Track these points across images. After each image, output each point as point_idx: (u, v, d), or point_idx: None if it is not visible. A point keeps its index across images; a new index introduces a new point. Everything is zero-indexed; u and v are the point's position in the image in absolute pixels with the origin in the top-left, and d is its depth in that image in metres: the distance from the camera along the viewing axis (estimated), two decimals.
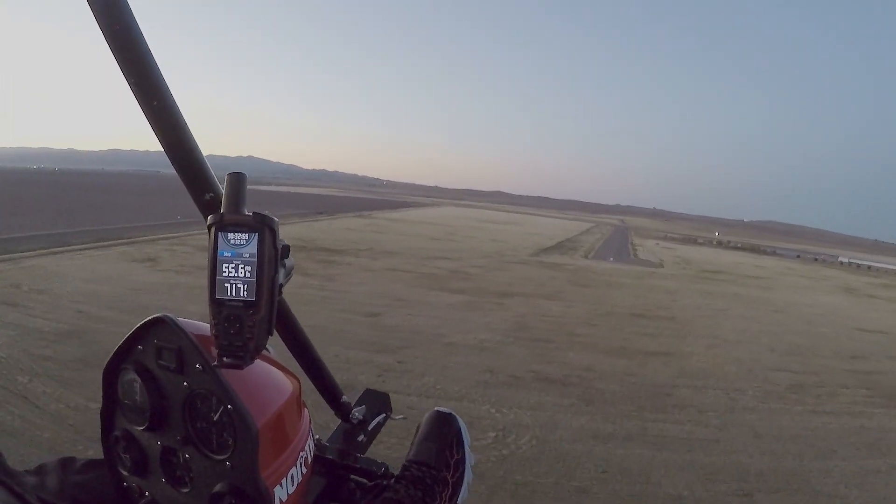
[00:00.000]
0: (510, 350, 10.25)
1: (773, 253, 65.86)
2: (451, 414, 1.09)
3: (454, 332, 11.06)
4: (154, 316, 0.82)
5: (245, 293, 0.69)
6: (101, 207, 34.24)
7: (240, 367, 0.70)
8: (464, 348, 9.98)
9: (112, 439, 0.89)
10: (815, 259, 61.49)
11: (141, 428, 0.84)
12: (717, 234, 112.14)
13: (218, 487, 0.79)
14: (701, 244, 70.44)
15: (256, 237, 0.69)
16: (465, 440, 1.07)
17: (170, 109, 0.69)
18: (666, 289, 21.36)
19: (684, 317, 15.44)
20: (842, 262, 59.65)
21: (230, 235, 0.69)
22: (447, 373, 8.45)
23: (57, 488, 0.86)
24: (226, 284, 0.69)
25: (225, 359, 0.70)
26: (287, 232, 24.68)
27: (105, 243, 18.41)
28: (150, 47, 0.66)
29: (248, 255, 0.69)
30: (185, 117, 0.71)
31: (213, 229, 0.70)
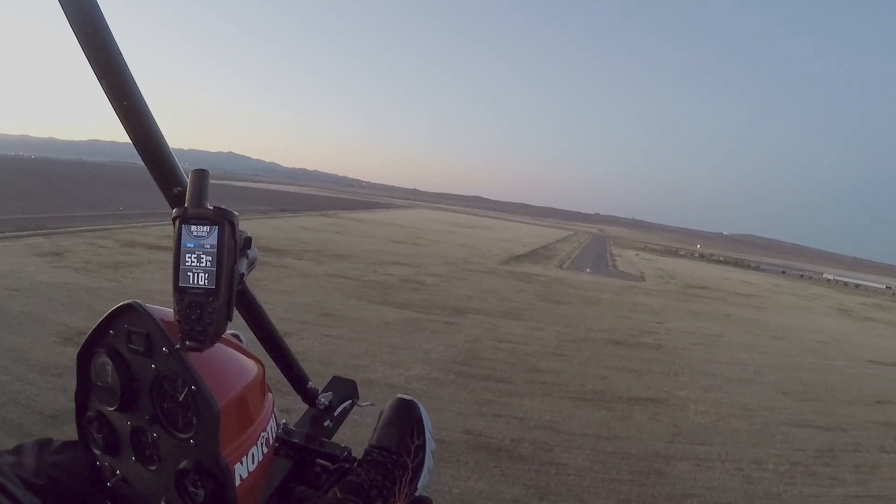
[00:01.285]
0: (446, 394, 7.52)
1: (758, 268, 64.30)
2: (412, 401, 1.16)
3: (378, 363, 8.31)
4: (124, 302, 0.85)
5: (206, 281, 0.73)
6: (59, 195, 32.91)
7: (200, 350, 0.75)
8: (382, 390, 7.21)
9: (85, 420, 0.92)
10: (801, 275, 59.97)
11: (112, 408, 0.88)
12: (698, 246, 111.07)
13: (183, 464, 0.82)
14: (683, 256, 68.66)
15: (217, 229, 0.73)
16: (426, 427, 1.13)
17: (139, 109, 0.73)
18: (650, 307, 18.73)
19: (674, 345, 12.78)
20: (828, 280, 58.00)
21: (193, 228, 0.73)
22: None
23: (34, 468, 0.90)
24: (188, 273, 0.73)
25: (187, 342, 0.74)
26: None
27: (22, 233, 16.34)
28: (120, 48, 0.70)
29: (209, 246, 0.73)
30: (154, 116, 0.75)
31: (177, 222, 0.74)
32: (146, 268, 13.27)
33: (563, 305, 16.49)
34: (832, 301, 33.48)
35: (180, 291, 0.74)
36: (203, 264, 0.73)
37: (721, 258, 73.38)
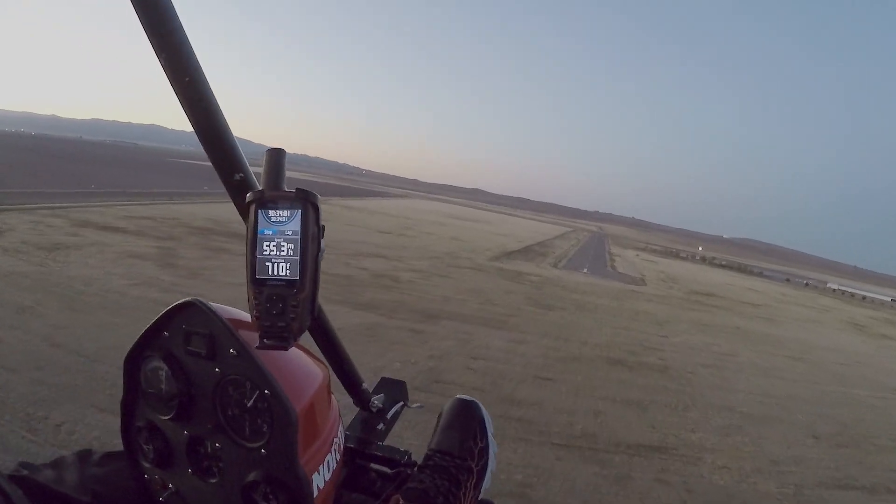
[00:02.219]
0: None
1: (761, 274, 62.57)
2: (473, 402, 1.08)
3: None
4: (182, 300, 0.80)
5: (288, 272, 0.67)
6: (33, 171, 31.67)
7: (284, 349, 0.69)
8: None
9: (134, 430, 0.87)
10: (806, 284, 58.21)
11: (166, 417, 0.83)
12: (700, 249, 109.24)
13: (251, 476, 0.77)
14: (684, 259, 66.79)
15: (300, 213, 0.67)
16: (488, 428, 1.05)
17: (201, 87, 0.67)
18: (653, 316, 16.81)
19: (681, 366, 10.87)
20: (833, 290, 56.14)
21: (271, 212, 0.67)
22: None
23: (76, 482, 0.85)
24: (267, 263, 0.68)
25: (267, 340, 0.68)
26: (205, 211, 17.63)
27: None
28: (181, 23, 0.64)
29: (290, 233, 0.67)
30: (215, 95, 0.69)
31: (253, 206, 0.68)
32: (84, 251, 11.71)
33: (554, 311, 14.55)
34: (842, 314, 31.69)
35: (258, 284, 0.67)
36: (284, 253, 0.67)
37: (724, 262, 71.50)
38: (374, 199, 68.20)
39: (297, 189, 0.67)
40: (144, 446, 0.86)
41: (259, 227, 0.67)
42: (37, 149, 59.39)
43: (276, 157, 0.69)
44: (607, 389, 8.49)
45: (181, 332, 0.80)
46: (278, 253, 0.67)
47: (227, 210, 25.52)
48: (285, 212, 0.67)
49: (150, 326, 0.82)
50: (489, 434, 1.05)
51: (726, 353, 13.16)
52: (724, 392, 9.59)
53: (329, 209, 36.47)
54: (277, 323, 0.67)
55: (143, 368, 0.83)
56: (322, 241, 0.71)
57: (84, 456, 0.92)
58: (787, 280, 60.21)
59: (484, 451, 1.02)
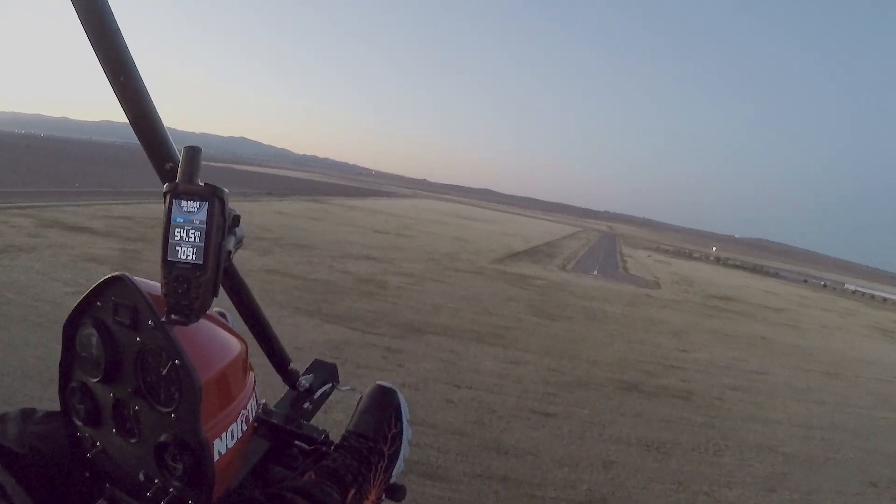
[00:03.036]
0: None
1: (776, 275, 60.56)
2: (392, 388, 1.12)
3: None
4: (112, 274, 0.83)
5: (193, 256, 0.72)
6: (19, 170, 31.08)
7: (185, 324, 0.74)
8: None
9: (69, 390, 0.90)
10: (824, 285, 56.12)
11: (95, 380, 0.86)
12: (714, 249, 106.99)
13: (163, 437, 0.81)
14: (697, 259, 64.85)
15: (207, 206, 0.72)
16: (403, 415, 1.09)
17: (135, 85, 0.73)
18: (670, 326, 15.19)
19: (707, 390, 9.29)
20: (852, 291, 53.99)
21: (183, 203, 0.72)
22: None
23: (17, 437, 0.89)
24: (177, 248, 0.73)
25: (173, 316, 0.73)
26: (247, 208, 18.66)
27: None
28: (119, 26, 0.71)
29: (198, 222, 0.72)
30: (150, 93, 0.75)
31: (168, 196, 0.73)
32: (37, 254, 10.56)
33: (560, 322, 12.98)
34: (866, 318, 29.75)
35: (168, 265, 0.72)
36: (191, 239, 0.72)
37: (738, 263, 69.37)
38: (379, 198, 66.93)
39: (205, 184, 0.72)
40: (77, 406, 0.88)
41: (173, 215, 0.71)
42: (37, 148, 58.83)
43: (192, 154, 0.72)
44: (621, 427, 6.94)
45: (111, 303, 0.82)
46: (187, 239, 0.72)
47: (251, 210, 24.23)
48: (195, 203, 0.72)
49: (85, 296, 0.85)
50: (404, 421, 1.09)
51: (755, 370, 11.55)
52: (761, 425, 8.01)
53: (327, 209, 35.14)
54: (182, 301, 0.72)
55: (78, 334, 0.86)
56: (239, 229, 0.78)
57: (28, 413, 0.94)
58: (805, 281, 58.17)
59: (397, 436, 1.06)
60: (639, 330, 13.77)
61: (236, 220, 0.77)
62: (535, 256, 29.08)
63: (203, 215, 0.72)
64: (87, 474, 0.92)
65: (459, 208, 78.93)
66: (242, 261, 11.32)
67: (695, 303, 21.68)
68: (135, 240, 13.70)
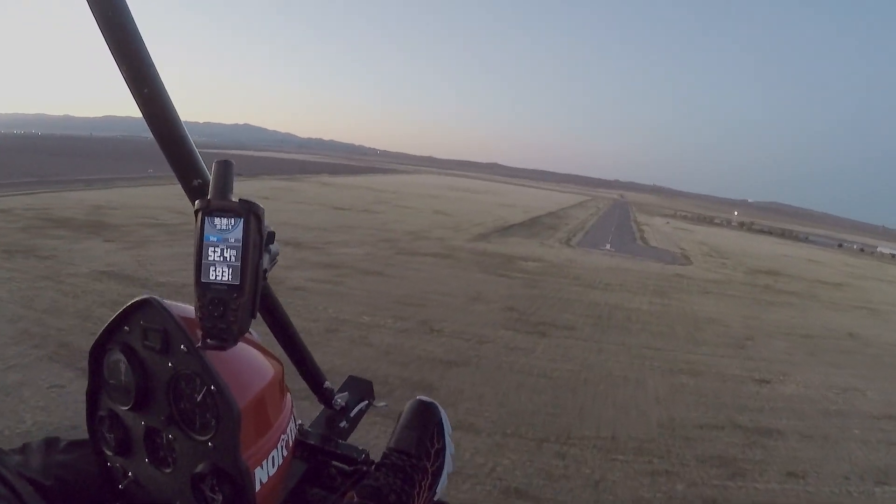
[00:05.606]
0: None
1: (807, 239, 55.15)
2: (432, 403, 1.04)
3: None
4: (140, 297, 0.81)
5: (230, 277, 0.69)
6: (24, 166, 28.41)
7: (223, 349, 0.70)
8: None
9: (97, 419, 0.88)
10: (861, 250, 50.67)
11: (125, 408, 0.84)
12: (735, 213, 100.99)
13: (200, 468, 0.79)
14: (719, 225, 59.42)
15: (242, 223, 0.69)
16: (445, 430, 1.01)
17: (160, 97, 0.70)
18: (724, 326, 10.24)
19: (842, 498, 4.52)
20: (892, 256, 48.50)
21: (216, 220, 0.69)
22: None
23: (41, 467, 0.86)
24: (211, 268, 0.69)
25: (209, 340, 0.69)
26: (107, 197, 17.50)
27: None
28: (141, 34, 0.67)
29: (233, 241, 0.69)
30: (174, 105, 0.71)
31: (199, 214, 0.69)
32: None
33: (552, 338, 8.06)
34: None
35: (203, 287, 0.68)
36: (227, 259, 0.69)
37: (765, 228, 63.77)
38: (373, 175, 62.24)
39: (240, 200, 0.69)
40: (107, 434, 0.86)
41: (205, 234, 0.68)
42: (34, 147, 54.90)
43: (224, 169, 0.70)
44: None
45: (139, 328, 0.81)
46: (222, 259, 0.68)
47: (135, 195, 19.84)
48: (229, 220, 0.68)
49: (112, 320, 0.83)
50: (447, 436, 1.00)
51: (883, 415, 6.70)
52: None
53: (293, 186, 30.55)
54: (218, 325, 0.68)
55: (105, 360, 0.85)
56: (273, 246, 0.74)
57: (51, 443, 0.91)
58: (840, 245, 52.87)
59: (440, 452, 0.98)
60: (681, 340, 8.89)
61: (271, 236, 0.73)
62: (533, 229, 24.06)
63: (238, 233, 0.68)
64: None
65: (460, 181, 73.73)
66: (102, 253, 9.09)
67: (739, 283, 16.68)
68: None
